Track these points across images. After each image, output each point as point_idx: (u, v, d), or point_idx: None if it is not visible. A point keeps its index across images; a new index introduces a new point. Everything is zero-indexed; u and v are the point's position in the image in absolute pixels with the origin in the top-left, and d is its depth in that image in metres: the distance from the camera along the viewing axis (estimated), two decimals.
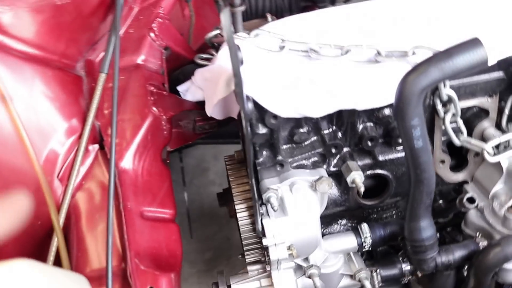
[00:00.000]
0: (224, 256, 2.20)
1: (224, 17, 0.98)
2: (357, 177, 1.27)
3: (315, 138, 1.31)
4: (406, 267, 1.42)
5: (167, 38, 1.36)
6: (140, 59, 1.32)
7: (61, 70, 1.22)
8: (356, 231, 1.40)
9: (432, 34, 1.28)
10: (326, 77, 1.21)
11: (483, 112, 1.34)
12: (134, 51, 1.31)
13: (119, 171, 1.19)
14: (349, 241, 1.39)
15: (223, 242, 2.20)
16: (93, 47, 1.30)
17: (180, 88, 1.40)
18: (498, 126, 1.35)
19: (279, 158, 1.29)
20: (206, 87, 1.31)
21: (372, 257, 1.51)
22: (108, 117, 1.26)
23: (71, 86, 1.24)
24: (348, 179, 1.28)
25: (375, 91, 1.21)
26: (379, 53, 1.23)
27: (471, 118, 1.33)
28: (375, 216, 1.46)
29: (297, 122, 1.27)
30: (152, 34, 1.33)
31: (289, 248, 1.27)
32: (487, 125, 1.34)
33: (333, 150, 1.29)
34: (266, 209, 1.28)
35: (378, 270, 1.41)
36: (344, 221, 1.45)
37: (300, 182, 1.28)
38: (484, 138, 1.34)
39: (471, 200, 1.23)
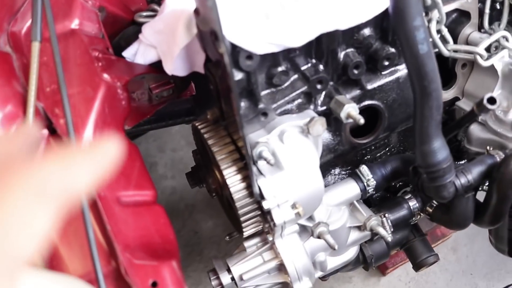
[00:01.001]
0: (195, 252, 1.98)
1: None
2: (351, 110, 1.12)
3: (295, 76, 1.14)
4: (414, 204, 1.28)
5: None
6: (74, 24, 1.10)
7: None
8: (355, 176, 1.25)
9: None
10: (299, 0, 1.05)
11: (463, 17, 1.23)
12: (65, 15, 1.09)
13: None
14: (351, 188, 1.24)
15: (190, 237, 1.98)
16: (15, 18, 1.07)
17: (126, 53, 1.19)
18: (479, 29, 1.25)
19: (261, 106, 1.11)
20: (160, 41, 1.11)
21: (370, 205, 1.36)
22: (52, 94, 1.04)
23: None
24: (342, 115, 1.12)
25: (356, 5, 1.06)
26: None
27: (452, 25, 1.22)
28: (369, 157, 1.31)
29: (274, 60, 1.09)
30: None
31: (293, 206, 1.09)
32: (470, 30, 1.23)
33: (318, 86, 1.13)
34: (258, 169, 1.10)
35: (387, 215, 1.26)
36: (337, 170, 1.30)
37: (289, 128, 1.11)
38: (469, 44, 1.23)
39: (492, 100, 1.10)
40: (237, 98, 0.95)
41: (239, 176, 1.09)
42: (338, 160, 1.27)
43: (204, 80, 1.17)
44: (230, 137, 1.11)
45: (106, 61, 1.09)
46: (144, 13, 1.22)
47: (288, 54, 1.10)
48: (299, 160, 1.10)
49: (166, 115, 1.52)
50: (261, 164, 1.09)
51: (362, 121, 1.10)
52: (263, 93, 1.12)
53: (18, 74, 1.04)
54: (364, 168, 1.24)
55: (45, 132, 1.02)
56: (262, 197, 1.09)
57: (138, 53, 1.16)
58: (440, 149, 1.08)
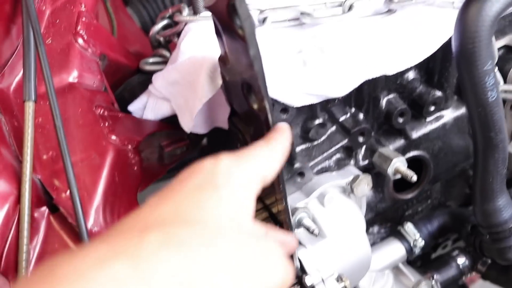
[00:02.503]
0: None
1: None
2: (400, 165, 0.97)
3: (333, 128, 0.99)
4: (464, 262, 1.13)
5: (100, 42, 0.97)
6: (72, 77, 0.92)
7: None
8: (399, 236, 1.09)
9: None
10: (339, 42, 0.90)
11: (510, 52, 1.10)
12: (62, 67, 0.91)
13: (88, 237, 0.80)
14: (396, 250, 1.09)
15: None
16: (1, 72, 0.89)
17: (132, 107, 1.02)
18: None
19: (297, 165, 0.95)
20: (175, 93, 0.94)
21: (410, 263, 1.21)
22: (50, 163, 0.86)
23: None
24: (389, 170, 0.97)
25: (406, 48, 0.91)
26: None
27: (500, 62, 1.08)
28: (410, 212, 1.16)
29: (311, 112, 0.94)
30: (80, 40, 0.94)
31: (339, 279, 0.93)
32: None
33: (360, 139, 0.98)
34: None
35: (435, 276, 1.11)
36: (376, 229, 1.14)
37: (330, 190, 0.95)
38: None
39: None
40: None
41: None
42: (376, 218, 1.11)
43: (221, 134, 1.01)
44: (261, 202, 0.95)
45: (112, 120, 0.92)
46: (151, 60, 1.05)
47: (326, 105, 0.95)
48: (343, 226, 0.94)
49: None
50: (300, 232, 0.93)
51: (414, 177, 0.95)
52: (298, 149, 0.97)
53: (8, 140, 0.86)
54: (409, 226, 1.08)
55: (44, 210, 0.84)
56: (303, 271, 0.92)
57: (148, 107, 0.99)
58: (505, 207, 0.94)
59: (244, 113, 0.89)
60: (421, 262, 1.21)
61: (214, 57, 0.87)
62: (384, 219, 1.13)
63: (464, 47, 0.80)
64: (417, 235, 1.07)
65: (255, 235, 0.57)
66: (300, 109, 0.92)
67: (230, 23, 0.73)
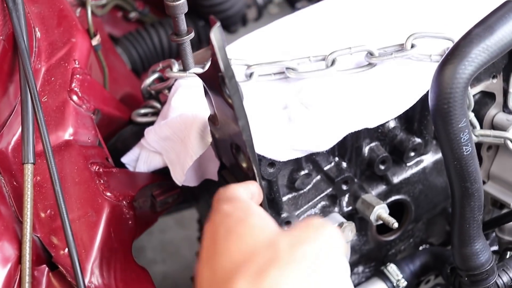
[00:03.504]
0: None
1: (215, 34, 0.68)
2: (382, 212, 1.02)
3: (318, 177, 1.03)
4: None
5: (93, 98, 1.01)
6: (68, 134, 0.96)
7: None
8: (382, 276, 1.14)
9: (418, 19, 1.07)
10: (323, 98, 0.95)
11: (487, 98, 1.15)
12: (58, 124, 0.95)
13: None
14: None
15: None
16: (0, 133, 0.92)
17: (125, 159, 1.06)
18: (503, 109, 1.17)
19: (284, 215, 1.00)
20: (167, 148, 0.99)
21: None
22: (49, 221, 0.89)
23: None
24: (372, 217, 1.02)
25: (386, 101, 0.96)
26: (370, 53, 0.99)
27: (476, 106, 1.13)
28: (393, 251, 1.20)
29: (297, 164, 0.99)
30: (74, 97, 0.98)
31: None
32: (495, 111, 1.15)
33: (344, 187, 1.02)
34: None
35: None
36: (360, 269, 1.18)
37: None
38: (495, 126, 1.14)
39: None
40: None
41: None
42: (361, 259, 1.16)
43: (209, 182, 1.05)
44: None
45: (107, 176, 0.96)
46: (142, 111, 1.09)
47: (311, 156, 1.00)
48: None
49: None
50: None
51: (396, 224, 1.00)
52: (285, 199, 1.01)
53: (8, 201, 0.89)
54: (392, 267, 1.12)
55: (44, 268, 0.88)
56: None
57: (140, 160, 1.03)
58: (482, 251, 0.98)
59: (233, 168, 0.93)
60: None
61: (204, 115, 0.92)
62: (368, 259, 1.17)
63: (440, 107, 0.84)
64: (400, 275, 1.11)
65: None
66: (286, 162, 0.96)
67: (220, 91, 0.77)
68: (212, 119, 0.88)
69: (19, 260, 0.85)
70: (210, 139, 0.91)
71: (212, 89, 0.81)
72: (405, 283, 1.12)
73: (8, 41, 0.92)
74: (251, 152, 0.77)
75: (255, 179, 0.82)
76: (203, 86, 0.84)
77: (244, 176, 0.86)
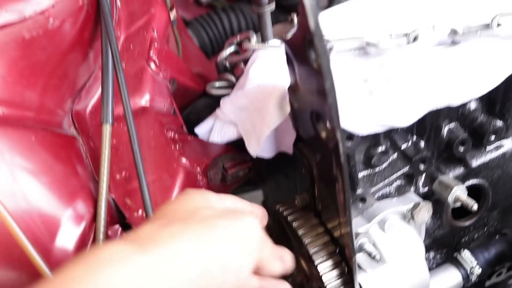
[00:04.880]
0: None
1: None
2: (460, 193, 0.98)
3: (395, 156, 1.00)
4: None
5: (170, 67, 1.02)
6: (145, 100, 0.96)
7: (46, 131, 0.85)
8: (456, 263, 1.10)
9: None
10: (405, 73, 0.92)
11: None
12: (135, 91, 0.96)
13: None
14: (452, 277, 1.09)
15: None
16: (79, 95, 0.94)
17: (199, 130, 1.06)
18: None
19: (359, 191, 0.97)
20: (243, 118, 0.98)
21: None
22: (123, 183, 0.90)
23: (64, 152, 0.87)
24: (450, 198, 0.98)
25: (471, 79, 0.93)
26: (454, 31, 0.96)
27: None
28: (466, 238, 1.16)
29: (375, 139, 0.96)
30: (152, 65, 0.99)
31: None
32: None
33: (421, 167, 0.99)
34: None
35: None
36: (432, 254, 1.15)
37: (391, 216, 0.97)
38: None
39: None
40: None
41: (335, 272, 0.94)
42: (433, 244, 1.12)
43: (281, 158, 1.04)
44: (323, 226, 0.97)
45: (182, 143, 0.96)
46: (217, 84, 1.08)
47: (389, 133, 0.97)
48: (403, 252, 0.96)
49: None
50: (360, 256, 0.94)
51: (475, 206, 0.96)
52: (360, 175, 0.99)
53: (85, 161, 0.90)
54: (466, 254, 1.09)
55: (117, 228, 0.88)
56: None
57: (214, 131, 1.02)
58: None
59: (311, 140, 0.91)
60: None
61: (283, 85, 0.91)
62: (440, 245, 1.14)
63: None
64: (474, 262, 1.08)
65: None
66: (364, 137, 0.94)
67: (305, 56, 0.76)
68: (293, 88, 0.87)
69: (93, 218, 0.86)
70: (288, 109, 0.90)
71: (297, 55, 0.79)
72: (480, 270, 1.08)
73: (91, 6, 0.93)
74: (335, 117, 0.75)
75: (336, 152, 0.80)
76: (286, 53, 0.83)
77: (323, 147, 0.84)
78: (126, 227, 0.88)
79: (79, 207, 0.84)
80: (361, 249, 0.93)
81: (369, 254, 0.92)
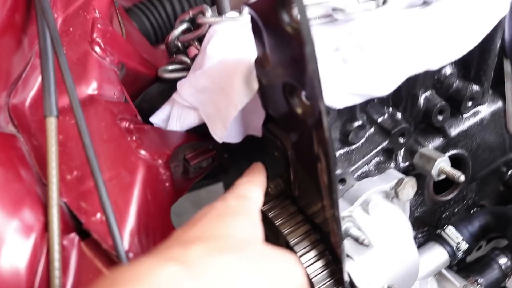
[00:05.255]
0: None
1: None
2: (444, 165, 0.91)
3: (371, 130, 0.93)
4: (506, 263, 1.07)
5: (117, 50, 0.90)
6: (92, 88, 0.84)
7: None
8: (441, 240, 1.04)
9: None
10: (379, 38, 0.84)
11: None
12: (80, 78, 0.84)
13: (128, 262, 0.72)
14: (438, 255, 1.03)
15: None
16: (15, 88, 0.81)
17: (154, 118, 0.95)
18: None
19: (338, 171, 0.89)
20: (204, 101, 0.88)
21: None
22: (76, 184, 0.78)
23: (2, 154, 0.74)
24: (434, 171, 0.91)
25: (449, 40, 0.86)
26: None
27: None
28: (447, 213, 1.10)
29: (351, 113, 0.88)
30: (97, 49, 0.87)
31: None
32: None
33: (401, 140, 0.92)
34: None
35: (479, 280, 1.05)
36: (413, 233, 1.08)
37: (374, 196, 0.89)
38: None
39: None
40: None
41: (320, 263, 0.85)
42: (415, 222, 1.05)
43: (249, 142, 0.94)
44: (302, 214, 0.88)
45: (139, 133, 0.84)
46: (170, 67, 0.98)
47: (365, 105, 0.89)
48: (390, 233, 0.89)
49: None
50: (345, 243, 0.86)
51: (462, 177, 0.90)
52: (337, 154, 0.91)
53: (29, 162, 0.78)
54: (450, 229, 1.03)
55: (73, 237, 0.76)
56: (352, 285, 0.86)
57: (172, 118, 0.92)
58: None
59: (283, 119, 0.82)
60: (457, 267, 1.15)
61: (249, 59, 0.81)
62: (421, 223, 1.07)
63: None
64: (460, 238, 1.02)
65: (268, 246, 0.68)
66: (340, 111, 0.86)
67: (277, 19, 0.67)
68: (260, 61, 0.77)
69: (45, 228, 0.74)
70: (256, 86, 0.80)
71: (266, 19, 0.70)
72: (466, 245, 1.02)
73: None
74: (318, 87, 0.66)
75: (317, 125, 0.71)
76: (252, 20, 0.73)
77: (299, 124, 0.76)
78: (84, 234, 0.77)
79: (26, 217, 0.72)
80: (346, 234, 0.85)
81: (356, 239, 0.84)
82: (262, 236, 0.71)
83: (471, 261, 1.13)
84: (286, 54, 0.70)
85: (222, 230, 0.67)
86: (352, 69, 0.81)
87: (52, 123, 0.75)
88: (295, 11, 0.63)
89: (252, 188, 0.79)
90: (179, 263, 0.57)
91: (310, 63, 0.64)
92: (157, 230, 0.80)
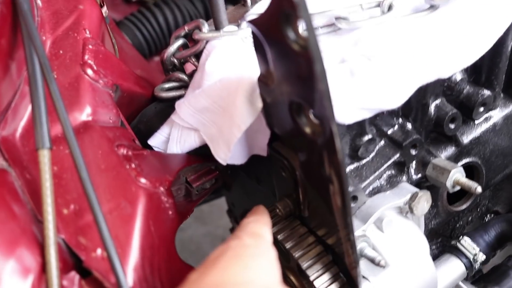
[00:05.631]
0: None
1: None
2: (459, 176, 0.87)
3: (382, 143, 0.88)
4: None
5: (111, 71, 0.85)
6: (86, 114, 0.80)
7: None
8: (456, 251, 0.99)
9: None
10: (386, 48, 0.80)
11: None
12: (73, 104, 0.79)
13: None
14: (454, 268, 0.98)
15: None
16: (4, 118, 0.76)
17: (153, 141, 0.90)
18: None
19: (350, 188, 0.85)
20: (206, 121, 0.83)
21: None
22: (73, 219, 0.73)
23: None
24: (448, 183, 0.87)
25: (459, 46, 0.82)
26: None
27: None
28: (461, 223, 1.06)
29: (361, 127, 0.84)
30: (89, 71, 0.82)
31: None
32: None
33: (413, 152, 0.88)
34: None
35: None
36: None
37: (388, 213, 0.85)
38: None
39: None
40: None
41: (334, 287, 0.81)
42: (429, 235, 1.01)
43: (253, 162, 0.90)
44: (313, 235, 0.84)
45: (138, 160, 0.80)
46: (166, 85, 0.93)
47: (374, 118, 0.85)
48: (406, 251, 0.84)
49: None
50: (366, 264, 0.82)
51: (479, 189, 0.86)
52: (348, 170, 0.86)
53: (22, 198, 0.73)
54: (466, 240, 0.98)
55: (74, 276, 0.72)
56: None
57: (172, 140, 0.87)
58: None
59: (290, 138, 0.78)
60: (472, 277, 1.11)
61: (251, 77, 0.77)
62: (435, 235, 1.03)
63: None
64: (477, 248, 0.97)
65: None
66: (349, 126, 0.82)
67: (281, 36, 0.62)
68: (264, 78, 0.72)
69: (42, 268, 0.69)
70: (260, 104, 0.76)
71: (269, 36, 0.65)
72: (484, 257, 0.98)
73: (5, 6, 0.76)
74: (328, 106, 0.62)
75: (328, 146, 0.67)
76: (254, 38, 0.69)
77: (308, 144, 0.71)
78: (84, 272, 0.72)
79: (22, 257, 0.67)
80: (361, 255, 0.81)
81: (372, 260, 0.80)
82: (281, 278, 0.68)
83: (487, 272, 1.09)
84: (292, 71, 0.66)
85: (242, 275, 0.65)
86: (361, 82, 0.77)
87: (45, 156, 0.70)
88: (301, 27, 0.58)
89: (262, 227, 0.76)
90: None
91: (320, 82, 0.60)
92: (162, 264, 0.75)
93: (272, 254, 0.71)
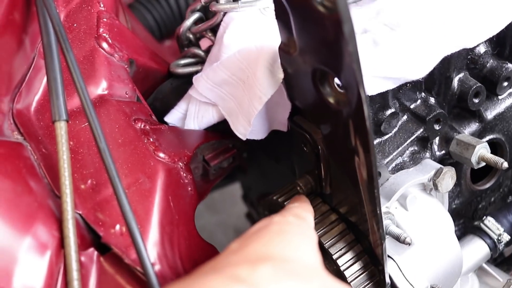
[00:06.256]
0: None
1: None
2: (484, 151, 0.85)
3: (404, 118, 0.86)
4: None
5: (126, 46, 0.83)
6: (101, 88, 0.77)
7: None
8: (479, 232, 0.97)
9: None
10: (410, 17, 0.78)
11: None
12: (88, 77, 0.77)
13: (156, 277, 0.65)
14: (478, 249, 0.95)
15: None
16: (18, 92, 0.74)
17: (169, 118, 0.88)
18: None
19: None
20: (225, 95, 0.81)
21: None
22: (90, 194, 0.71)
23: (9, 164, 0.67)
24: (473, 159, 0.84)
25: (485, 15, 0.79)
26: None
27: None
28: (483, 203, 1.03)
29: (383, 100, 0.81)
30: (104, 44, 0.80)
31: None
32: None
33: (437, 127, 0.85)
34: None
35: None
36: None
37: (412, 190, 0.83)
38: None
39: None
40: (375, 161, 0.65)
41: (358, 265, 0.79)
42: (451, 215, 0.98)
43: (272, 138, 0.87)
44: (335, 212, 0.82)
45: (156, 134, 0.78)
46: (182, 61, 0.91)
47: (397, 91, 0.82)
48: (431, 229, 0.82)
49: None
50: (390, 241, 0.80)
51: (505, 164, 0.83)
52: None
53: (39, 172, 0.71)
54: (490, 220, 0.95)
55: (92, 252, 0.69)
56: (394, 287, 0.80)
57: (189, 116, 0.85)
58: None
59: (313, 110, 0.76)
60: (494, 260, 1.08)
61: (272, 46, 0.74)
62: (457, 216, 1.00)
63: None
64: (501, 229, 0.95)
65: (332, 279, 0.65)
66: (372, 99, 0.79)
67: None
68: (286, 47, 0.70)
69: (60, 244, 0.67)
70: (282, 75, 0.73)
71: (293, 0, 0.63)
72: (508, 237, 0.95)
73: None
74: (357, 71, 0.59)
75: (355, 115, 0.64)
76: (276, 4, 0.66)
77: (332, 115, 0.69)
78: (103, 248, 0.70)
79: (39, 233, 0.65)
80: (385, 233, 0.79)
81: (397, 238, 0.77)
82: (323, 264, 0.67)
83: (509, 255, 1.06)
84: (316, 37, 0.63)
85: (285, 251, 0.63)
86: (384, 51, 0.75)
87: (62, 128, 0.68)
88: None
89: (305, 212, 0.75)
90: (247, 286, 0.55)
91: (350, 44, 0.57)
92: (181, 240, 0.73)
93: (315, 238, 0.70)
